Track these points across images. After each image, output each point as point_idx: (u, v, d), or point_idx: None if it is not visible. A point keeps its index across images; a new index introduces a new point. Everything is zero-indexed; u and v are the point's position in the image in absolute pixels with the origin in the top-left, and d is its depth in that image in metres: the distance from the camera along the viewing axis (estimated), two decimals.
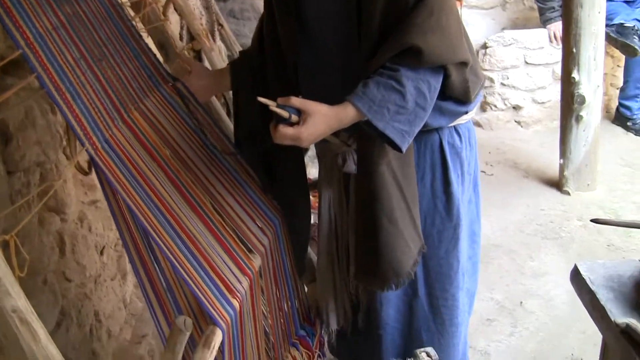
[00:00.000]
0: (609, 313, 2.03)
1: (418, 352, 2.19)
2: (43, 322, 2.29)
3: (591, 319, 3.35)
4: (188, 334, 1.32)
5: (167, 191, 1.83)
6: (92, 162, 1.67)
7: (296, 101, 1.85)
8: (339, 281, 2.41)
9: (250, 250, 2.03)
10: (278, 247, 2.22)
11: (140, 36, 2.17)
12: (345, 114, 1.89)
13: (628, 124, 5.80)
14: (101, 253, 2.84)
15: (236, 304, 1.79)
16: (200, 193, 1.98)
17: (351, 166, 2.22)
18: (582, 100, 4.49)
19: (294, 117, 1.85)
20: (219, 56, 4.10)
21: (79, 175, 2.42)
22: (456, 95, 2.09)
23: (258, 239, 2.08)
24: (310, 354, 2.39)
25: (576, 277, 2.24)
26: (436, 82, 1.97)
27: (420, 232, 2.17)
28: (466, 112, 2.23)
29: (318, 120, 1.86)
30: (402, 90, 1.89)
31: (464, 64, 2.02)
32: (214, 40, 4.17)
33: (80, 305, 2.60)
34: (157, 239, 1.68)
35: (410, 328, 2.45)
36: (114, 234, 2.95)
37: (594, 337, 3.34)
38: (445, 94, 2.05)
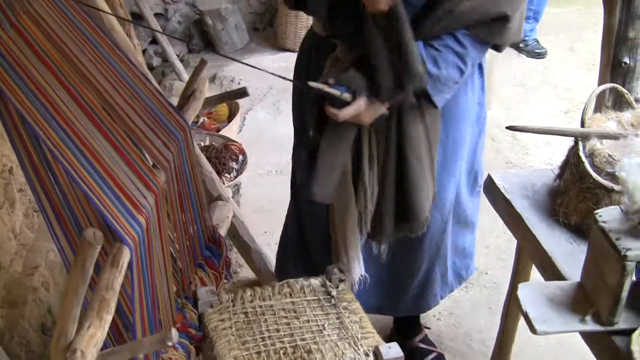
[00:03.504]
0: (525, 221, 2.03)
1: (330, 268, 2.14)
2: None
3: (493, 235, 3.43)
4: (99, 247, 1.20)
5: (64, 102, 1.68)
6: None
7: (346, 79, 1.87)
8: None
9: (154, 165, 1.90)
10: (182, 164, 2.10)
11: None
12: None
13: (520, 45, 5.83)
14: None
15: (142, 220, 1.68)
16: (99, 104, 1.82)
17: None
18: None
19: (346, 96, 1.84)
20: None
21: None
22: None
23: (162, 153, 1.95)
24: (217, 274, 2.30)
25: (490, 186, 2.23)
26: (483, 59, 2.12)
27: (434, 178, 2.17)
28: None
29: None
30: (463, 70, 1.95)
31: None
32: None
33: None
34: (55, 150, 1.54)
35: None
36: None
37: (497, 251, 3.42)
38: None
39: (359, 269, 2.31)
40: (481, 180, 2.46)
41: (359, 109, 1.85)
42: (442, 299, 2.60)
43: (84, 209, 1.66)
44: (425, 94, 1.94)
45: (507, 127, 2.17)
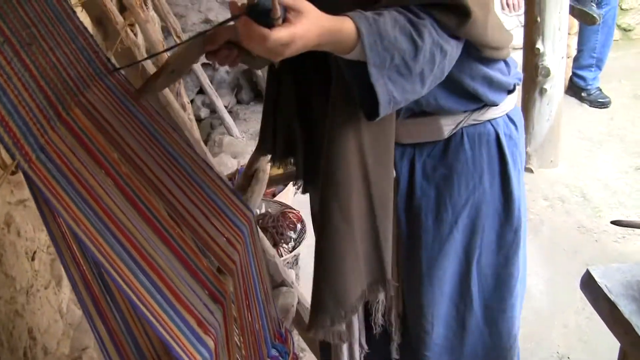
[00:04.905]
0: (635, 329, 1.78)
1: None
2: None
3: (571, 311, 3.17)
4: None
5: (119, 206, 1.47)
6: (25, 177, 1.30)
7: None
8: None
9: (219, 270, 1.69)
10: (247, 260, 1.89)
11: (74, 12, 1.80)
12: (341, 31, 1.38)
13: (582, 94, 5.63)
14: (32, 259, 2.50)
15: (211, 342, 1.45)
16: (158, 204, 1.62)
17: None
18: (547, 73, 4.27)
19: (279, 13, 1.29)
20: (153, 28, 3.75)
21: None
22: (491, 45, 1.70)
23: (228, 254, 1.73)
24: None
25: (590, 284, 1.98)
26: (451, 57, 1.55)
27: (384, 258, 1.77)
28: (514, 87, 1.89)
29: (312, 21, 1.33)
30: (418, 45, 1.43)
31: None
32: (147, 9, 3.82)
33: (12, 327, 2.26)
34: (111, 270, 1.32)
35: (462, 346, 2.10)
36: (45, 236, 2.60)
37: (578, 331, 3.16)
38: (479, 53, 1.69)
39: None
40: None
41: (293, 36, 1.30)
42: None
43: (147, 334, 1.45)
44: (358, 70, 1.43)
45: (612, 222, 1.91)
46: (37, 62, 1.49)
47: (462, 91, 1.76)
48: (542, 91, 4.32)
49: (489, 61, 1.76)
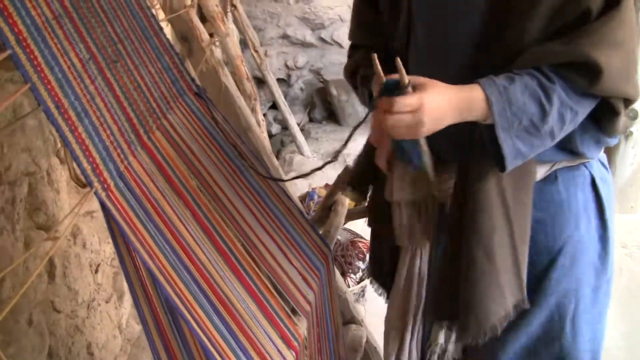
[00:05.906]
0: None
1: None
2: None
3: None
4: None
5: (197, 241, 1.38)
6: (102, 206, 1.22)
7: (412, 77, 1.40)
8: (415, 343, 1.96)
9: (294, 311, 1.58)
10: (322, 300, 1.78)
11: (162, 29, 1.72)
12: (471, 98, 1.44)
13: None
14: (96, 271, 2.44)
15: None
16: (239, 243, 1.52)
17: None
18: (635, 115, 4.06)
19: (409, 90, 1.38)
20: (233, 41, 3.68)
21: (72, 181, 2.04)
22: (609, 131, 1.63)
23: (303, 294, 1.63)
24: None
25: None
26: (583, 114, 1.53)
27: (523, 281, 1.67)
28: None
29: (439, 89, 1.41)
30: (547, 109, 1.46)
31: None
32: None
33: (71, 343, 2.20)
34: (185, 311, 1.23)
35: None
36: (110, 248, 2.54)
37: None
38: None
39: None
40: None
41: (421, 99, 1.37)
42: None
43: None
44: (488, 131, 1.47)
45: None
46: (121, 81, 1.41)
47: (565, 147, 1.65)
48: (628, 134, 4.14)
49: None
